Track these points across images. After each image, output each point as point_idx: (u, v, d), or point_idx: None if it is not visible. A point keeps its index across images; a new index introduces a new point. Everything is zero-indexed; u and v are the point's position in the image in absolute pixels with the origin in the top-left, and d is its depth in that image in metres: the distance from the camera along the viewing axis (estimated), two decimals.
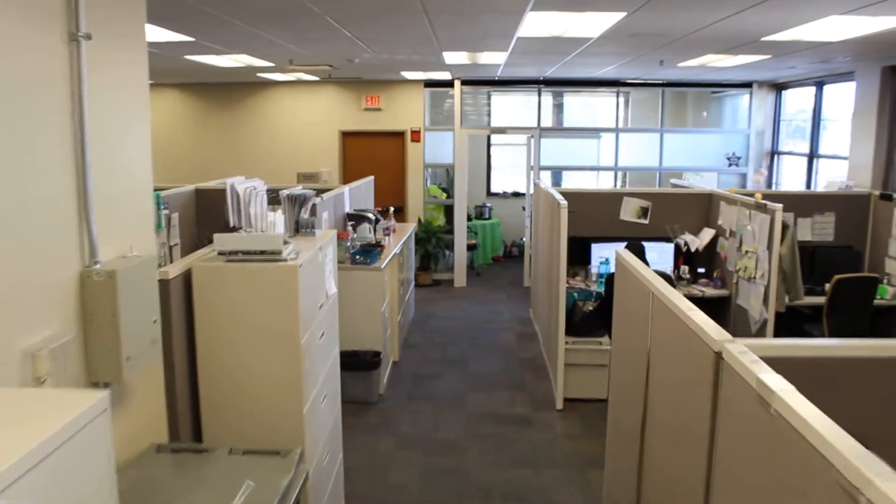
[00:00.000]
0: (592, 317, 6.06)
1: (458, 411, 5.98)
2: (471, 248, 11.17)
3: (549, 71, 8.91)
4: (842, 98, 8.67)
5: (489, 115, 12.07)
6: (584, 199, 6.98)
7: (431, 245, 10.43)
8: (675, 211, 7.15)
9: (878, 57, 6.92)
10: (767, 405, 1.64)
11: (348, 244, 6.34)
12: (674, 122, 10.90)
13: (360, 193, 8.02)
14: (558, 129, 11.91)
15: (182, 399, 3.23)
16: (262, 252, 3.18)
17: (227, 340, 3.25)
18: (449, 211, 10.96)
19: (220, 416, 3.33)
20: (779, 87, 9.84)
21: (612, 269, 6.70)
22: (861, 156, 7.61)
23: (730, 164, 10.15)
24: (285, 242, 3.29)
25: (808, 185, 8.87)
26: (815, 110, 8.78)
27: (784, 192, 7.51)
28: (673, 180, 9.23)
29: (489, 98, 12.00)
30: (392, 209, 8.18)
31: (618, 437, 3.53)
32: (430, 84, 10.62)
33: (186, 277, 3.22)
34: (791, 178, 9.85)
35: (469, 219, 11.36)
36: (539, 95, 10.39)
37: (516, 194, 12.80)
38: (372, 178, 8.99)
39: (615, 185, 11.16)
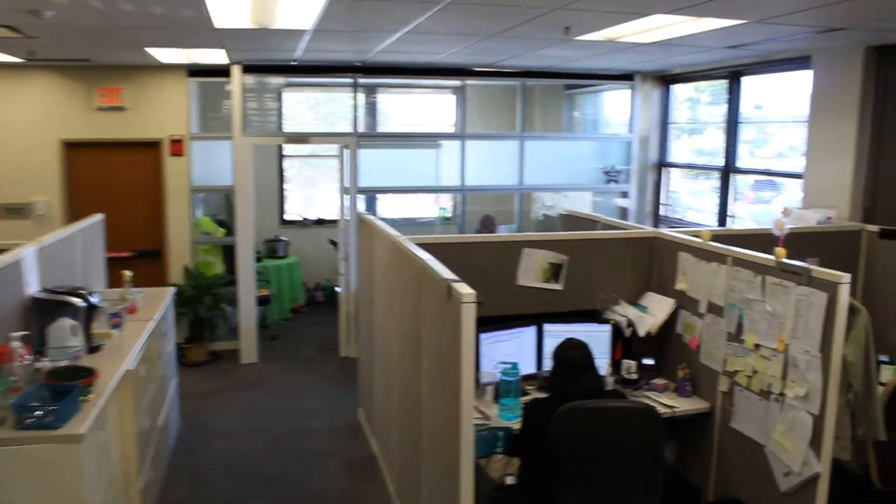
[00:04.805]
0: (515, 494, 3.22)
1: None
2: (263, 301, 7.98)
3: (376, 50, 5.99)
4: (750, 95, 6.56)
5: (280, 116, 8.91)
6: (451, 253, 4.03)
7: (205, 306, 7.11)
8: (598, 268, 4.49)
9: (867, 29, 4.69)
10: None
11: (12, 380, 3.02)
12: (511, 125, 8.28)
13: (70, 250, 4.64)
14: (382, 136, 8.95)
15: None
16: None
17: None
18: (229, 252, 7.65)
19: None
20: (667, 81, 7.56)
21: (521, 375, 3.91)
22: (825, 173, 5.42)
23: (608, 181, 7.78)
24: None
25: (722, 217, 6.62)
26: (730, 110, 6.58)
27: (733, 230, 5.14)
28: (563, 209, 6.63)
29: (279, 95, 8.81)
30: (128, 273, 4.89)
31: None
32: (196, 72, 7.27)
33: None
34: (690, 201, 7.67)
35: (258, 259, 8.15)
36: (355, 89, 7.40)
37: (320, 221, 9.76)
38: (101, 217, 5.60)
39: (461, 211, 8.34)
